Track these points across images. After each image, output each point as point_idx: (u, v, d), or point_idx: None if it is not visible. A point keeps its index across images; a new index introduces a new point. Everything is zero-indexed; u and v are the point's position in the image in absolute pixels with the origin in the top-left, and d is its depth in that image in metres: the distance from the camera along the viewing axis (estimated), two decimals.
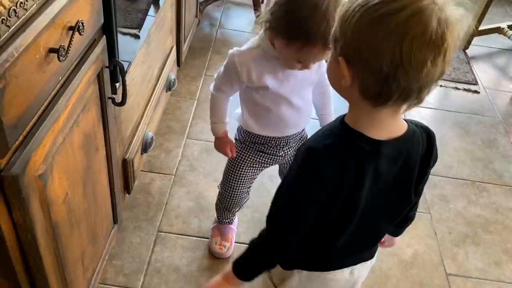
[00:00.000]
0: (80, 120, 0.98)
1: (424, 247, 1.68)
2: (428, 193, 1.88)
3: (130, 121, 1.44)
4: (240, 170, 1.39)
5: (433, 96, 2.42)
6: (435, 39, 0.63)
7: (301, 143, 1.41)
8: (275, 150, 1.36)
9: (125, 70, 1.15)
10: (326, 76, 1.29)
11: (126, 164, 1.42)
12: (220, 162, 1.74)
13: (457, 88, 2.50)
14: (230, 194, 1.44)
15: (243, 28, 2.74)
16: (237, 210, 1.54)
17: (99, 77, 1.06)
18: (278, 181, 1.61)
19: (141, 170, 1.75)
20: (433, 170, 0.88)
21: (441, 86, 2.50)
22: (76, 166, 1.01)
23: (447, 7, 0.65)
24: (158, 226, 1.61)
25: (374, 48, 0.65)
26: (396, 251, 1.63)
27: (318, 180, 0.77)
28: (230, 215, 1.55)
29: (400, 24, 0.63)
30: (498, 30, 2.78)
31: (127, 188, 1.50)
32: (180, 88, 2.19)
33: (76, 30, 0.88)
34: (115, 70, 1.14)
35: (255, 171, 1.41)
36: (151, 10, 1.53)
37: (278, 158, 1.39)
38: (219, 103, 1.30)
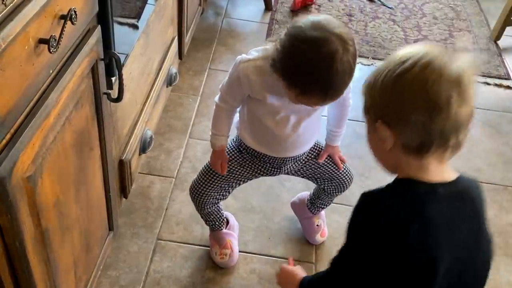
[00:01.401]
0: (72, 117, 0.99)
1: None
2: None
3: (127, 119, 1.44)
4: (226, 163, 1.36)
5: None
6: (454, 79, 0.79)
7: (307, 159, 1.41)
8: (270, 165, 1.37)
9: (122, 63, 1.16)
10: (349, 95, 1.30)
11: (122, 166, 1.43)
12: None
13: (487, 83, 2.48)
14: (203, 183, 1.38)
15: (251, 17, 2.74)
16: (207, 212, 1.45)
17: (94, 70, 1.06)
18: (289, 185, 1.61)
19: (139, 172, 1.76)
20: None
21: None
22: (68, 168, 1.02)
23: (455, 57, 0.81)
24: (158, 233, 1.62)
25: (403, 101, 0.81)
26: None
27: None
28: (214, 217, 1.48)
29: (418, 75, 0.79)
30: None
31: (123, 191, 1.51)
32: (182, 83, 2.20)
33: (68, 19, 0.89)
34: (110, 63, 1.14)
35: (243, 172, 1.39)
36: None
37: (273, 171, 1.39)
38: (220, 114, 1.31)
